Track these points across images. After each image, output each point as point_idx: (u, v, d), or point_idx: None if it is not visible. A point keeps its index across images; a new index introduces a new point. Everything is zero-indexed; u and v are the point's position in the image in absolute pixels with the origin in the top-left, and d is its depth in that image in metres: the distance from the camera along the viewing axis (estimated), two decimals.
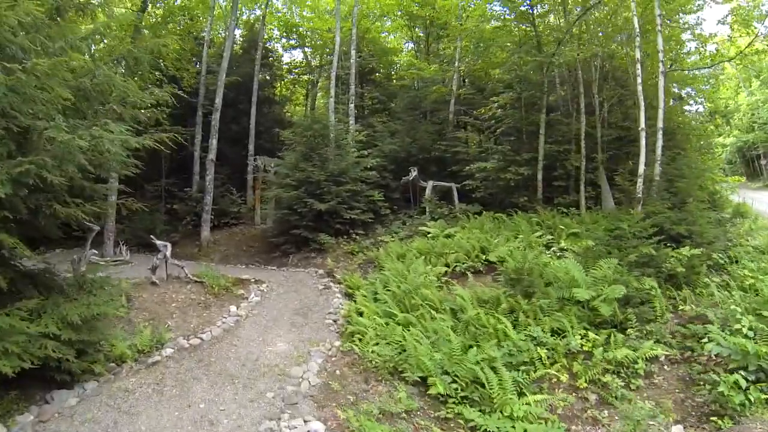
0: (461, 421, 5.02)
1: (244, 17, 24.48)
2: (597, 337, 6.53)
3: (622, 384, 5.81)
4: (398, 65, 26.41)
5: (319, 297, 8.99)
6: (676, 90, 16.42)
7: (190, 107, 18.91)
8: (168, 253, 9.35)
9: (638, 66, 11.53)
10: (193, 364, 5.79)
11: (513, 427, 4.72)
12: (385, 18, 24.77)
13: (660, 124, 11.43)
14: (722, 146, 31.19)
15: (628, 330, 6.79)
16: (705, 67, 14.45)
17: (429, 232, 12.54)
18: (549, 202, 13.82)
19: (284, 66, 27.34)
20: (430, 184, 15.52)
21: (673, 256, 8.74)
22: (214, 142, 16.46)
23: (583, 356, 6.29)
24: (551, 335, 6.48)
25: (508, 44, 15.60)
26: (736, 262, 9.48)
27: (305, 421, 4.57)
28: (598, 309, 6.88)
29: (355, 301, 8.15)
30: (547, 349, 6.23)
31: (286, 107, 26.77)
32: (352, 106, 18.67)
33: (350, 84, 19.02)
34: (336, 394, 5.25)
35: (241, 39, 24.65)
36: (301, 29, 25.58)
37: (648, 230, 9.36)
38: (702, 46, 14.28)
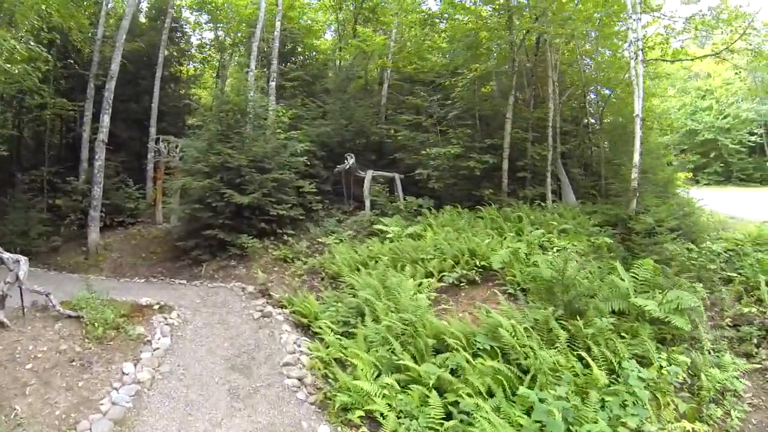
0: None
1: None
2: (684, 358, 4.84)
3: (738, 416, 4.44)
4: (319, 49, 23.71)
5: (258, 332, 5.94)
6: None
7: (81, 80, 14.98)
8: (21, 274, 5.54)
9: (639, 45, 10.33)
10: None
11: None
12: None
13: (639, 113, 10.39)
14: None
15: (703, 343, 5.28)
16: (678, 60, 13.87)
17: (387, 232, 10.03)
18: (513, 195, 12.13)
19: (193, 43, 23.35)
20: (369, 173, 13.07)
21: (696, 252, 7.55)
22: (106, 119, 12.59)
23: (674, 387, 4.62)
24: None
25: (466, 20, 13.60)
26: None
27: None
28: (671, 322, 5.10)
29: (322, 340, 5.28)
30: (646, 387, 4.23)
31: (193, 89, 22.69)
32: (273, 84, 15.59)
33: (272, 59, 15.88)
34: None
35: (148, 6, 20.74)
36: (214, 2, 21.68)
37: (661, 224, 8.10)
38: (665, 43, 13.53)
